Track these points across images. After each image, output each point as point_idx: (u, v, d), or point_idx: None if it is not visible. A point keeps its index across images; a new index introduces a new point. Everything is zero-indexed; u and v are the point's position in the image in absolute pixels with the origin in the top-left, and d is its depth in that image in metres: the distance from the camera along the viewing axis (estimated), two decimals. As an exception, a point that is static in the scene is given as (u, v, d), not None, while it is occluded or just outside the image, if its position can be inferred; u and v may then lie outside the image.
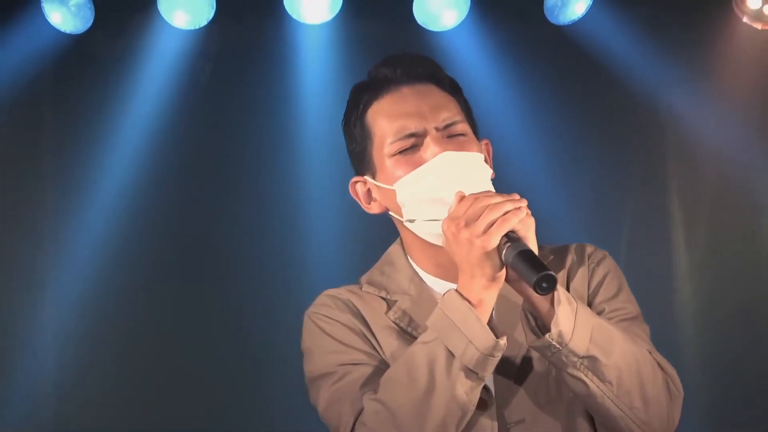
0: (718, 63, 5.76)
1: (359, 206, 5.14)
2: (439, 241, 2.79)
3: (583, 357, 2.62)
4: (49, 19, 5.43)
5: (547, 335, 2.56)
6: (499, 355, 2.62)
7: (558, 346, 2.59)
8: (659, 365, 2.77)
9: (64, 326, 5.80)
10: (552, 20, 5.52)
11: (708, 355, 5.94)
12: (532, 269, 2.50)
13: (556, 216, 5.50)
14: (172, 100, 5.68)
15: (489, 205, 2.57)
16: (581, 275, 2.90)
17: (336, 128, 5.91)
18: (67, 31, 5.48)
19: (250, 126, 5.77)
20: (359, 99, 2.91)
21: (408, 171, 2.77)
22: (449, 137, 2.78)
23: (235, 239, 5.79)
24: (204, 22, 5.48)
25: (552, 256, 2.92)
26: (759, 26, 5.55)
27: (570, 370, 2.62)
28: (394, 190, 2.79)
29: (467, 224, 2.58)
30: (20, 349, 5.74)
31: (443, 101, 2.84)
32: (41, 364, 5.84)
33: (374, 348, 2.89)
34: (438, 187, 2.74)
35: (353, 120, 2.91)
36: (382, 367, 2.82)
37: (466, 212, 2.59)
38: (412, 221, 2.82)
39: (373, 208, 2.88)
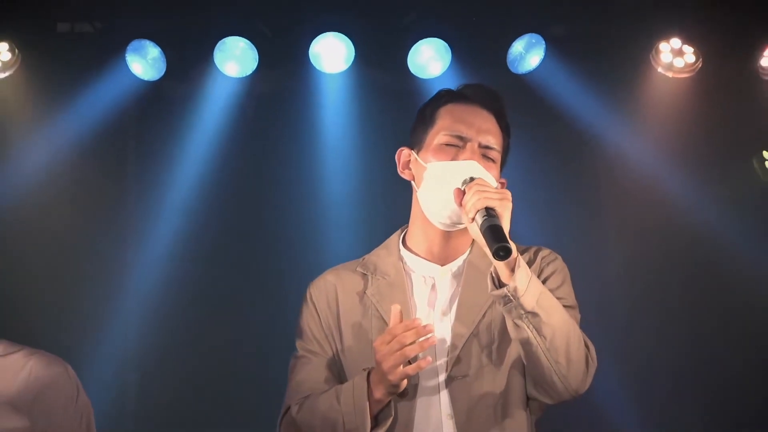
0: (640, 102, 5.99)
1: (368, 212, 5.55)
2: (434, 215, 3.03)
3: (528, 312, 2.82)
4: (131, 69, 5.71)
5: (505, 288, 2.77)
6: None
7: (512, 298, 2.79)
8: (584, 342, 2.98)
9: (144, 315, 5.98)
10: (513, 70, 5.81)
11: (628, 336, 6.02)
12: (494, 240, 2.73)
13: (518, 221, 5.95)
14: (225, 131, 5.96)
15: (401, 345, 2.77)
16: (536, 269, 3.08)
17: (349, 151, 5.93)
18: (145, 79, 5.77)
19: (284, 149, 6.06)
20: (442, 96, 3.13)
21: (443, 160, 3.00)
22: (483, 156, 3.01)
23: (270, 236, 6.02)
24: (249, 72, 5.77)
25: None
26: (670, 74, 5.84)
27: (516, 320, 2.82)
28: (425, 167, 3.02)
29: (384, 358, 2.80)
30: (106, 339, 5.84)
31: (494, 131, 3.06)
32: (124, 352, 6.02)
33: (329, 337, 3.11)
34: (454, 179, 2.94)
35: (430, 106, 3.12)
36: (326, 362, 3.09)
37: (388, 345, 2.80)
38: (427, 192, 3.02)
39: (405, 174, 3.12)
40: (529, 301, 2.80)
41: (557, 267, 3.10)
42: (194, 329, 5.98)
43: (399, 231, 3.19)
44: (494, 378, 2.97)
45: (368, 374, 2.92)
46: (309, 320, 3.13)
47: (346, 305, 3.10)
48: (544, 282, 3.03)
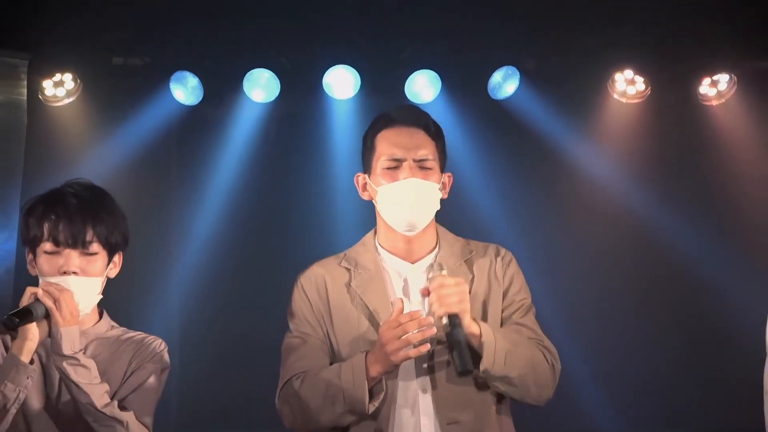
0: (599, 123, 6.11)
1: (370, 214, 5.35)
2: (394, 225, 3.10)
3: (498, 377, 2.94)
4: (174, 96, 5.84)
5: (476, 370, 2.88)
6: (371, 409, 2.91)
7: (484, 375, 2.92)
8: (546, 349, 3.04)
9: (184, 300, 6.04)
10: (493, 96, 5.96)
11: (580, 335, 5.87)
12: (459, 363, 2.84)
13: (497, 222, 5.68)
14: (252, 147, 6.04)
15: (404, 332, 2.83)
16: (499, 271, 3.14)
17: (355, 164, 5.56)
18: (186, 104, 5.90)
19: (300, 162, 6.13)
20: (377, 124, 3.16)
21: (389, 181, 3.06)
22: (420, 168, 3.06)
23: (287, 235, 6.06)
24: (273, 98, 5.91)
25: (474, 251, 3.17)
26: (624, 100, 6.02)
27: (490, 383, 2.96)
28: (377, 191, 3.09)
29: (389, 342, 2.85)
30: (151, 322, 5.58)
31: (424, 143, 3.09)
32: (168, 332, 5.73)
33: (320, 322, 3.12)
34: (402, 196, 3.04)
35: (369, 135, 3.16)
36: (318, 342, 3.09)
37: (393, 330, 2.85)
38: (384, 210, 3.10)
39: (365, 196, 3.16)
40: (498, 370, 2.92)
41: (514, 271, 3.16)
42: (226, 313, 6.04)
43: (372, 231, 3.24)
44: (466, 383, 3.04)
45: (365, 355, 2.96)
46: (301, 306, 3.17)
47: (335, 295, 3.14)
48: (509, 287, 3.13)
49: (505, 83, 5.97)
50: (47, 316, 2.93)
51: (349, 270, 3.15)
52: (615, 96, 6.06)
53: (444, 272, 2.97)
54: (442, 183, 3.12)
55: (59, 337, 2.94)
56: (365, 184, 3.16)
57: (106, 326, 3.20)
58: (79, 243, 3.01)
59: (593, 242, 6.13)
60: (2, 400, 2.90)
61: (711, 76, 6.00)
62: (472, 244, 3.21)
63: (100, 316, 3.22)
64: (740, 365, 5.56)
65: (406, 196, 3.05)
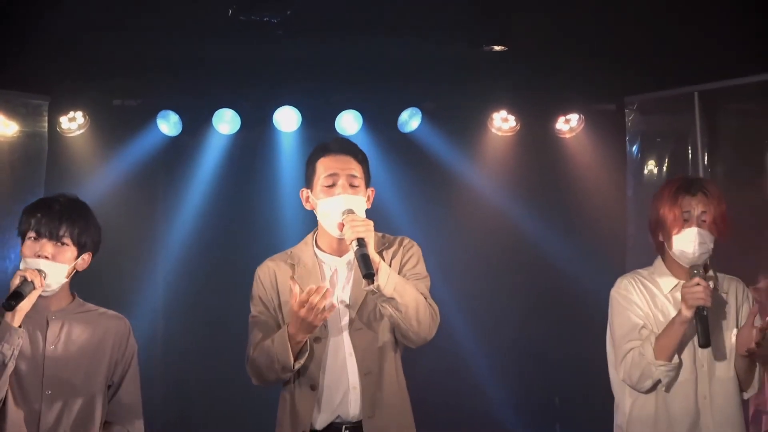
0: (481, 151, 6.53)
1: (305, 221, 5.06)
2: (331, 231, 3.32)
3: (388, 298, 3.18)
4: (160, 129, 6.23)
5: (372, 285, 3.14)
6: (297, 366, 3.16)
7: (376, 291, 3.16)
8: (429, 305, 3.31)
9: (167, 288, 6.35)
10: (401, 130, 6.39)
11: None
12: (363, 268, 3.09)
13: (405, 229, 4.87)
14: (219, 167, 6.42)
15: (312, 305, 3.07)
16: (400, 255, 3.42)
17: (298, 183, 5.55)
18: (169, 135, 6.29)
19: (256, 180, 6.47)
20: (318, 152, 3.40)
21: (326, 196, 3.30)
22: (351, 185, 3.30)
23: (245, 235, 6.36)
24: (235, 130, 6.30)
25: (387, 243, 3.44)
26: (500, 134, 6.44)
27: (381, 302, 3.21)
28: (317, 203, 3.32)
29: (306, 315, 3.10)
30: (138, 306, 5.84)
31: (354, 166, 3.35)
32: (153, 312, 6.13)
33: (271, 304, 3.35)
34: (334, 209, 3.25)
35: (312, 160, 3.39)
36: (271, 319, 3.34)
37: (305, 308, 3.09)
38: (322, 218, 3.32)
39: (307, 206, 3.39)
40: (388, 291, 3.19)
41: (413, 252, 3.45)
42: (198, 293, 6.42)
43: (312, 232, 3.51)
44: (378, 327, 3.35)
45: (287, 326, 3.27)
46: (258, 292, 3.44)
47: (282, 285, 3.40)
48: (405, 264, 3.42)
49: (410, 120, 6.38)
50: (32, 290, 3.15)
51: (293, 265, 3.41)
52: (493, 130, 6.49)
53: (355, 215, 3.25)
54: (367, 196, 3.40)
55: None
56: (308, 197, 3.40)
57: (79, 304, 3.39)
58: (53, 236, 3.23)
59: (479, 245, 6.52)
60: (1, 357, 3.08)
61: (565, 115, 6.46)
62: (386, 238, 3.50)
63: (73, 297, 3.41)
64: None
65: (339, 208, 3.30)
